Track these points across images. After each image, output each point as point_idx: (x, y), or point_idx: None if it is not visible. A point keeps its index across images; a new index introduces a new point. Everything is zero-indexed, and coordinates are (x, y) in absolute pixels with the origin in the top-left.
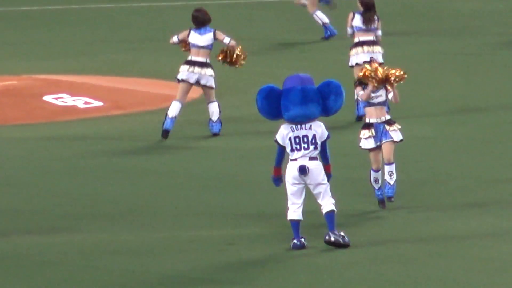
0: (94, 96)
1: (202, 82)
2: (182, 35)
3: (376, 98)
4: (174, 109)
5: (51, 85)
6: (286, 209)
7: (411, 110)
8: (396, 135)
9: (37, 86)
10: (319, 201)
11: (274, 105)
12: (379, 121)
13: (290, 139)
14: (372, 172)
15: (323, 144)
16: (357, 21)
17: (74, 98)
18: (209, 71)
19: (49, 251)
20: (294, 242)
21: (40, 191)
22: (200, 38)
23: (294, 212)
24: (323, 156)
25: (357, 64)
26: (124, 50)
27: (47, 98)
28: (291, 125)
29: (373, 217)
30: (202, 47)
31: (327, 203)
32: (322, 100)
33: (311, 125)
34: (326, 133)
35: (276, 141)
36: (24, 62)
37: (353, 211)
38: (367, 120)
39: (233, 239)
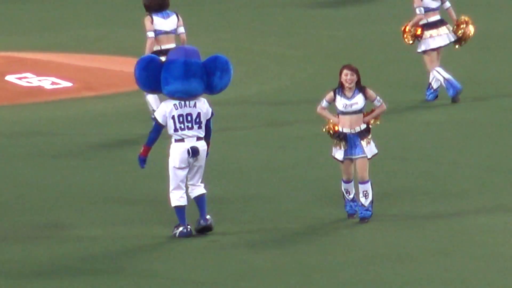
0: (62, 76)
1: None
2: (149, 26)
3: (351, 106)
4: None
5: (14, 64)
6: (167, 195)
7: (419, 94)
8: (370, 150)
9: None
10: (192, 182)
11: (153, 77)
12: (353, 132)
13: (173, 117)
14: (342, 183)
15: (207, 122)
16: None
17: (40, 78)
18: None
19: (16, 246)
20: (181, 230)
21: (2, 180)
22: (165, 23)
23: (181, 197)
24: (205, 135)
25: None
26: (95, 24)
27: (10, 77)
28: (174, 102)
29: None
30: (169, 32)
31: (200, 185)
32: (207, 76)
33: (195, 103)
34: (210, 111)
35: (154, 118)
36: None
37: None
38: (340, 129)
39: (218, 236)
